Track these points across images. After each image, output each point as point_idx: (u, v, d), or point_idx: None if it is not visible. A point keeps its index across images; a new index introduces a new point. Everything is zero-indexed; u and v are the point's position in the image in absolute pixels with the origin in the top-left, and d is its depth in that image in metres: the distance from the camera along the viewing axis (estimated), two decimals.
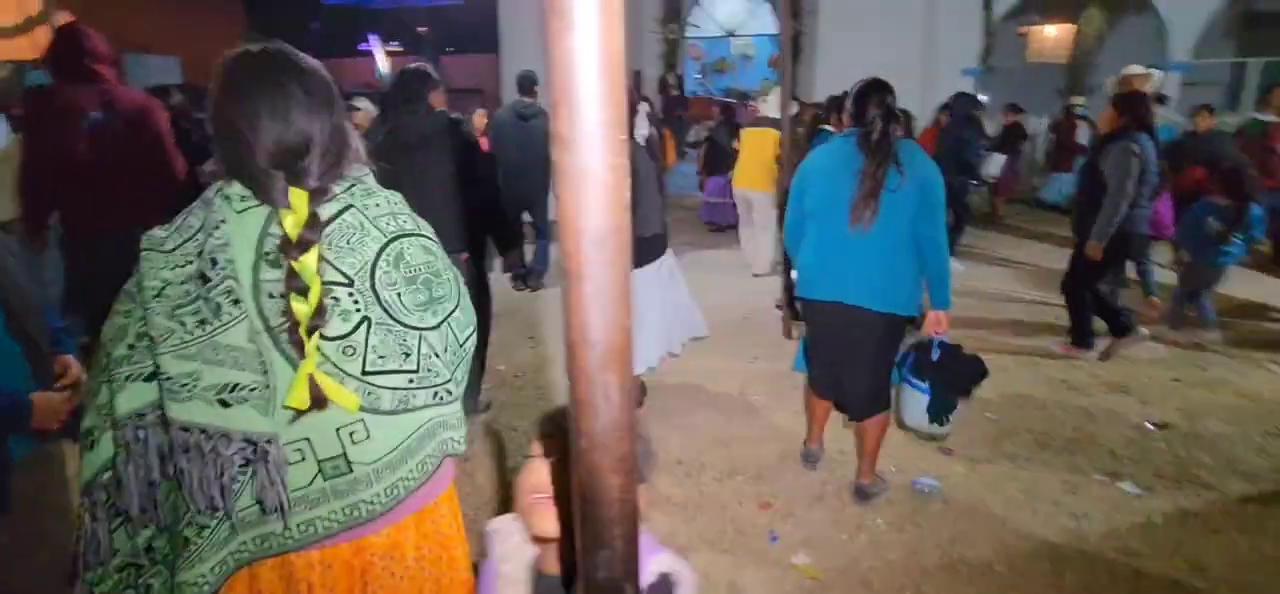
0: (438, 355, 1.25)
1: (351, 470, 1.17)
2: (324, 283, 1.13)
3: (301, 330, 1.11)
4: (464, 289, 1.35)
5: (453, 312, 1.30)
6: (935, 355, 2.66)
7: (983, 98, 14.01)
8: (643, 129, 3.37)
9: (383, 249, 1.21)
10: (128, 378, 1.13)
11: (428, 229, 1.32)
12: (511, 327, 5.04)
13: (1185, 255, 4.79)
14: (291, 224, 1.12)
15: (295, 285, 1.10)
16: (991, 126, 9.88)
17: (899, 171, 2.49)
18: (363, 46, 14.72)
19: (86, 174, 3.20)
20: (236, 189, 1.15)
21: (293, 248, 1.11)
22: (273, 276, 1.13)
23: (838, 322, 2.67)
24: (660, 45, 13.66)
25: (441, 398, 1.25)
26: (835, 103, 4.75)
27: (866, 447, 2.87)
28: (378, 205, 1.25)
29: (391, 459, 1.20)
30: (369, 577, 1.25)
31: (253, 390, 1.11)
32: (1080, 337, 4.47)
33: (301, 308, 1.10)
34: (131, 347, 1.14)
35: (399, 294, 1.21)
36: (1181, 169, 6.71)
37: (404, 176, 3.31)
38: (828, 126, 4.72)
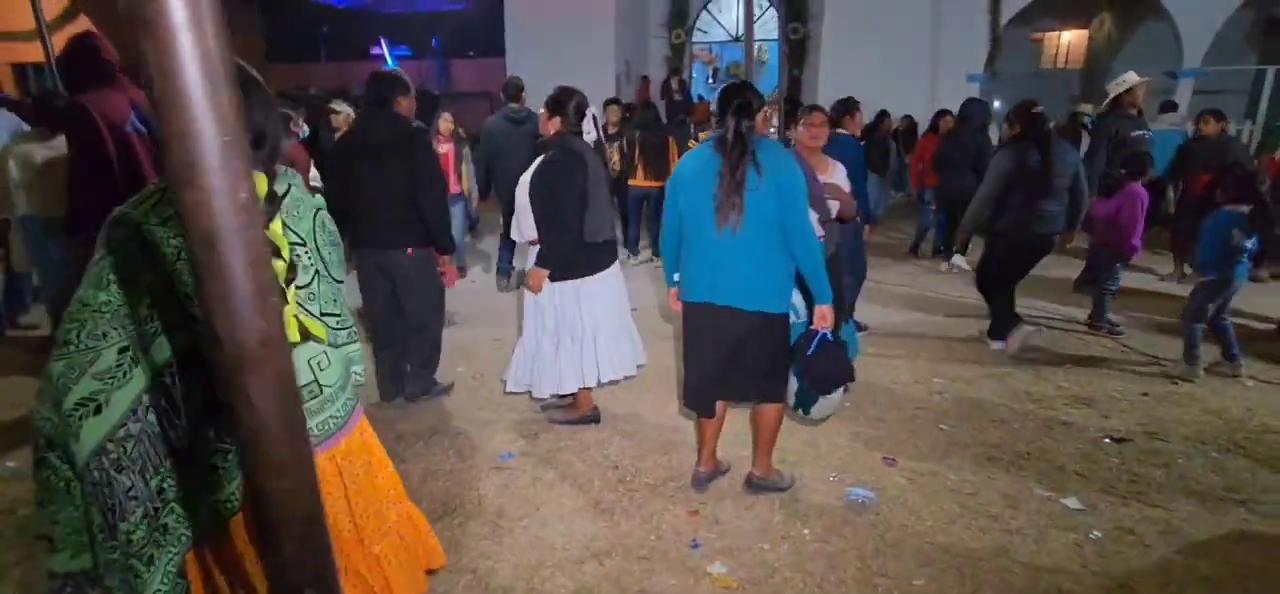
0: (345, 304, 1.63)
1: (323, 392, 1.53)
2: (290, 245, 1.43)
3: (281, 280, 1.38)
4: None
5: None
6: (811, 350, 2.65)
7: (997, 104, 13.81)
8: (590, 134, 3.35)
9: (315, 217, 1.55)
10: (154, 335, 1.33)
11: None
12: (482, 326, 5.07)
13: (1199, 274, 4.38)
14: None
15: (269, 249, 1.32)
16: (995, 133, 9.71)
17: (758, 170, 2.49)
18: (374, 51, 14.90)
19: (128, 177, 3.30)
20: None
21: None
22: None
23: (715, 323, 2.68)
24: (667, 49, 13.68)
25: (353, 337, 1.65)
26: (845, 106, 4.89)
27: (761, 437, 2.92)
28: (298, 184, 1.55)
29: (341, 382, 1.58)
30: (346, 477, 1.61)
31: None
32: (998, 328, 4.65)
33: (278, 265, 1.37)
34: (151, 307, 1.33)
35: (329, 253, 1.57)
36: (1189, 176, 6.55)
37: (363, 172, 3.48)
38: (841, 130, 4.75)
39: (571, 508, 2.91)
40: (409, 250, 3.51)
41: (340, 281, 1.61)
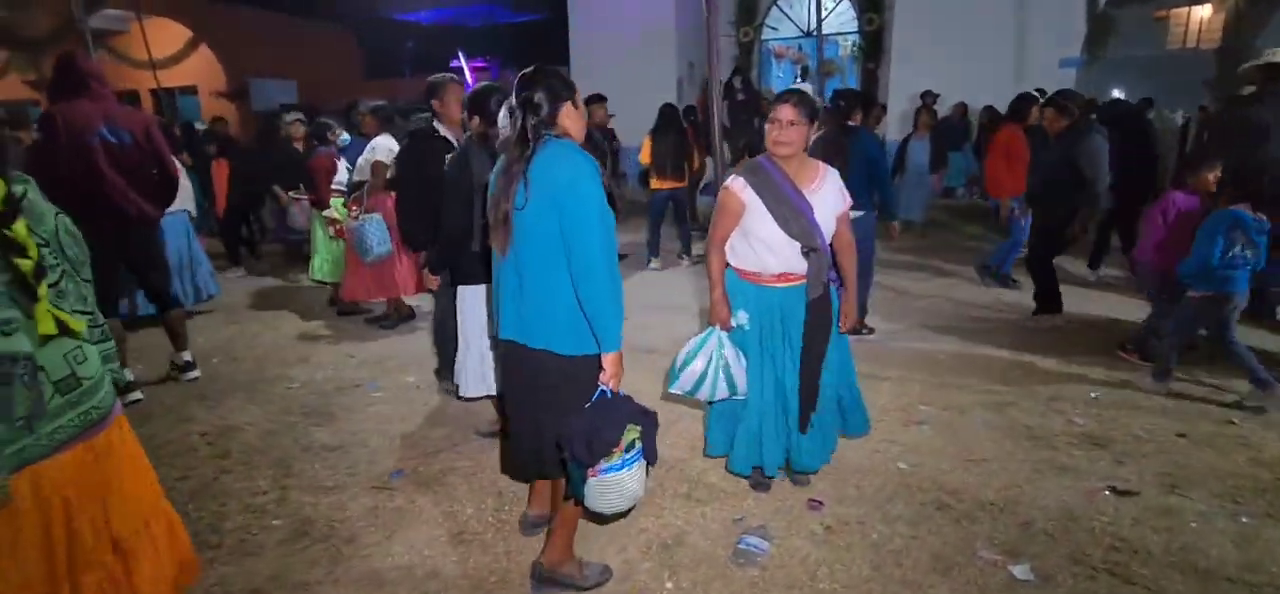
0: (94, 303, 1.70)
1: (81, 384, 1.57)
2: (37, 245, 1.50)
3: (30, 279, 1.45)
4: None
5: None
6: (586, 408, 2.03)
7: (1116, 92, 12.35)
8: (489, 126, 2.99)
9: (56, 219, 1.62)
10: None
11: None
12: None
13: (1192, 288, 3.63)
14: None
15: (15, 248, 1.44)
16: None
17: (525, 184, 1.95)
18: (453, 63, 15.45)
19: (85, 179, 3.50)
20: None
21: (3, 219, 1.44)
22: None
23: (507, 362, 2.19)
24: (734, 48, 13.20)
25: (106, 335, 1.72)
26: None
27: (555, 518, 2.31)
28: (34, 188, 1.60)
29: (99, 376, 1.63)
30: (105, 467, 1.63)
31: (18, 323, 1.44)
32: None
33: (25, 263, 1.45)
34: None
35: (75, 253, 1.64)
36: None
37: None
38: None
39: (427, 538, 2.66)
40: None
41: (89, 281, 1.69)
